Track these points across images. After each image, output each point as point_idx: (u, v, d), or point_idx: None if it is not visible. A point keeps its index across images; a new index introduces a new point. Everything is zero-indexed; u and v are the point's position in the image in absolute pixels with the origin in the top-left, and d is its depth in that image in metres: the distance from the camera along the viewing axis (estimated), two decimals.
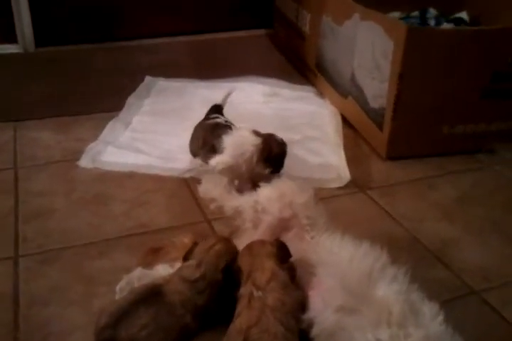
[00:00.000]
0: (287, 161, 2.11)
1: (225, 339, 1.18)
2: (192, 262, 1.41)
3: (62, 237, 1.72)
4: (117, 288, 1.45)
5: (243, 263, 1.33)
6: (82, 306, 1.45)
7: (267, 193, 1.52)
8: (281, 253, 1.34)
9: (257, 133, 1.88)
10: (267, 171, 1.83)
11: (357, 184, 2.02)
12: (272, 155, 1.84)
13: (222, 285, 1.36)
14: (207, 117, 2.11)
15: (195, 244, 1.48)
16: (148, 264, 1.56)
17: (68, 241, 1.70)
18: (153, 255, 1.60)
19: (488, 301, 1.48)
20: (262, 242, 1.37)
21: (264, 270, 1.28)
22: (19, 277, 1.54)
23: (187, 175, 2.05)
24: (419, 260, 1.63)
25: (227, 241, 1.46)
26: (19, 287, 1.51)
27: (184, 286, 1.35)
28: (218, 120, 2.02)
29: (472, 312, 1.45)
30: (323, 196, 1.92)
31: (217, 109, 2.17)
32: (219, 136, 1.87)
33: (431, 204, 1.90)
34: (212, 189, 1.74)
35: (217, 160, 1.83)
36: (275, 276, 1.27)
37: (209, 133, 1.95)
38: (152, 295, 1.32)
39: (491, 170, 2.13)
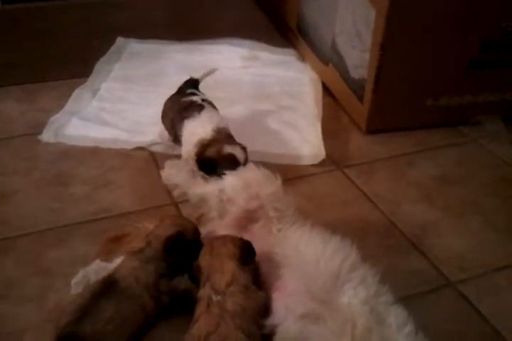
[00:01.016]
0: (260, 136, 2.03)
1: None
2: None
3: (19, 223, 1.63)
4: (73, 282, 1.38)
5: (203, 262, 1.25)
6: (37, 302, 1.38)
7: (232, 182, 1.42)
8: (245, 254, 1.25)
9: (218, 130, 1.70)
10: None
11: (334, 160, 1.92)
12: (203, 158, 1.65)
13: (169, 260, 1.32)
14: (181, 91, 1.95)
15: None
16: (108, 253, 1.48)
17: (25, 227, 1.61)
18: (113, 244, 1.51)
19: (464, 294, 1.42)
20: (223, 241, 1.27)
21: (224, 272, 1.20)
22: None
23: (154, 149, 1.95)
24: (395, 248, 1.56)
25: (179, 217, 1.43)
26: None
27: (133, 260, 1.32)
28: (194, 98, 1.86)
29: (447, 306, 1.39)
30: (297, 174, 1.85)
31: (193, 84, 2.01)
32: (183, 121, 1.75)
33: (410, 184, 1.81)
34: (176, 174, 1.65)
35: (183, 150, 1.74)
36: (235, 279, 1.19)
37: (178, 115, 1.82)
38: (108, 286, 1.27)
39: (476, 144, 2.04)
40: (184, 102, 1.85)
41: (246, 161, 1.65)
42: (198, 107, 1.80)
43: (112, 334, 1.21)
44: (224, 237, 1.30)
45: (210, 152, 1.63)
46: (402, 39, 1.85)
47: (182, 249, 1.32)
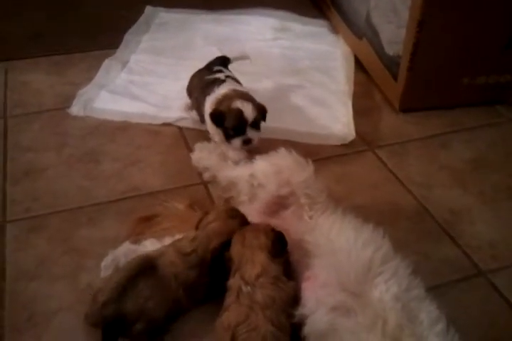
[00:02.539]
0: (288, 113, 1.99)
1: (212, 337, 1.12)
2: (190, 235, 1.35)
3: (50, 201, 1.64)
4: (102, 264, 1.39)
5: (234, 252, 1.25)
6: (69, 282, 1.40)
7: (263, 168, 1.41)
8: (276, 246, 1.24)
9: (235, 90, 1.71)
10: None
11: (365, 140, 1.89)
12: (214, 111, 1.68)
13: (212, 267, 1.29)
14: (209, 67, 1.93)
15: (205, 213, 1.40)
16: (138, 234, 1.49)
17: (57, 205, 1.63)
18: (143, 225, 1.52)
19: (495, 284, 1.40)
20: (256, 232, 1.26)
21: (254, 263, 1.20)
22: (6, 247, 1.49)
23: (181, 124, 1.94)
24: (426, 233, 1.54)
25: (226, 220, 1.35)
26: (6, 258, 1.45)
27: (178, 258, 1.30)
28: (218, 75, 1.83)
29: (477, 296, 1.38)
30: (326, 155, 1.83)
31: (223, 62, 1.98)
32: (205, 98, 1.75)
33: (443, 168, 1.77)
34: (206, 157, 1.63)
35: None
36: (265, 271, 1.19)
37: (200, 94, 1.80)
38: (148, 268, 1.26)
39: None
40: (208, 79, 1.83)
41: (257, 120, 1.65)
42: (219, 82, 1.78)
43: (152, 309, 1.22)
44: (257, 228, 1.29)
45: (222, 106, 1.66)
46: (440, 16, 1.78)
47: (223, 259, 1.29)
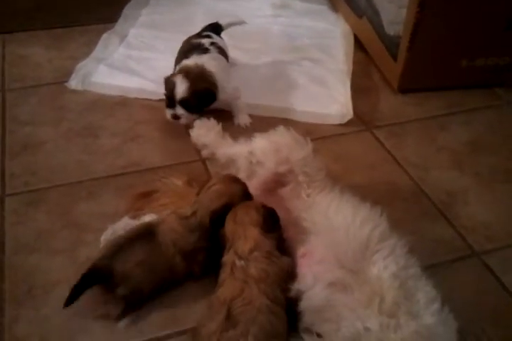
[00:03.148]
0: (287, 91, 2.00)
1: (208, 311, 1.14)
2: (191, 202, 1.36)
3: (49, 175, 1.65)
4: (102, 238, 1.41)
5: (227, 229, 1.26)
6: (67, 255, 1.41)
7: (262, 145, 1.41)
8: (268, 221, 1.25)
9: (196, 66, 1.75)
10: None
11: (363, 120, 1.89)
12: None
13: (211, 230, 1.30)
14: (199, 33, 1.98)
15: (206, 181, 1.41)
16: (136, 210, 1.49)
17: (55, 179, 1.63)
18: (141, 200, 1.53)
19: (488, 264, 1.42)
20: (247, 208, 1.28)
21: (247, 238, 1.22)
22: (5, 220, 1.50)
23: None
24: (422, 214, 1.56)
25: (229, 183, 1.36)
26: (5, 231, 1.46)
27: (178, 223, 1.31)
28: (204, 40, 1.87)
29: (471, 276, 1.40)
30: (324, 134, 1.83)
31: (214, 28, 2.01)
32: (181, 60, 1.80)
33: (440, 149, 1.78)
34: (205, 134, 1.63)
35: None
36: (258, 246, 1.20)
37: (182, 56, 1.84)
38: (146, 233, 1.29)
39: (510, 108, 1.98)
40: (192, 43, 1.86)
41: (187, 101, 1.70)
42: (202, 50, 1.82)
43: (138, 277, 1.24)
44: (248, 205, 1.30)
45: (171, 75, 1.76)
46: None
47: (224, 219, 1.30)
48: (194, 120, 1.73)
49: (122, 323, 1.25)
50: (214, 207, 1.31)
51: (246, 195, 1.35)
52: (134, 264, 1.24)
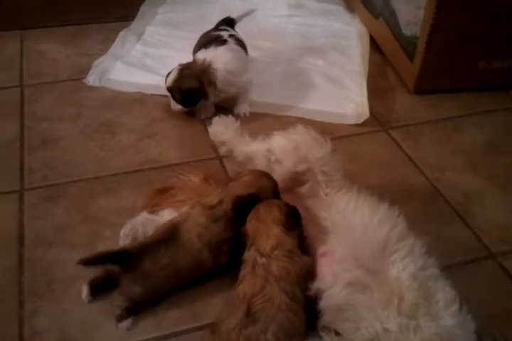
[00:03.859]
0: (303, 90, 2.01)
1: (227, 306, 1.15)
2: (218, 190, 1.37)
3: (67, 170, 1.66)
4: (121, 233, 1.41)
5: (249, 226, 1.27)
6: (86, 250, 1.41)
7: (281, 144, 1.41)
8: (290, 220, 1.26)
9: (204, 63, 1.78)
10: None
11: (379, 121, 1.90)
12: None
13: (234, 219, 1.30)
14: (215, 28, 2.00)
15: (237, 174, 1.42)
16: (154, 206, 1.50)
17: (74, 174, 1.65)
18: (159, 196, 1.54)
19: (504, 266, 1.42)
20: (269, 206, 1.28)
21: (269, 236, 1.22)
22: (24, 214, 1.51)
23: None
24: (438, 215, 1.56)
25: (260, 176, 1.37)
26: (24, 225, 1.48)
27: (202, 215, 1.31)
28: (222, 33, 1.91)
29: (486, 277, 1.40)
30: (340, 134, 1.83)
31: (228, 22, 2.04)
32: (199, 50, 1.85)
33: (456, 151, 1.79)
34: (223, 132, 1.63)
35: None
36: (280, 244, 1.21)
37: (199, 48, 1.88)
38: (170, 236, 1.29)
39: None
40: (211, 35, 1.90)
41: (174, 93, 1.79)
42: (220, 42, 1.85)
43: (161, 279, 1.26)
44: (270, 203, 1.30)
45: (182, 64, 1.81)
46: None
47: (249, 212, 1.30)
48: (181, 110, 1.84)
49: (125, 324, 1.25)
50: (240, 193, 1.30)
51: (275, 193, 1.35)
52: (160, 268, 1.25)
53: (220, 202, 1.32)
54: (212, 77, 1.77)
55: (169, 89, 1.79)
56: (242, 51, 1.91)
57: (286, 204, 1.29)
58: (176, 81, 1.76)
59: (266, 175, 1.37)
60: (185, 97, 1.79)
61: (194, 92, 1.77)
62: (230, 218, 1.30)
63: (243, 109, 1.89)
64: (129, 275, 1.25)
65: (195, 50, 1.90)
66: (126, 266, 1.24)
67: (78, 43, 2.24)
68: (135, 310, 1.26)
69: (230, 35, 1.91)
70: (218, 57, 1.79)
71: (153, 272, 1.24)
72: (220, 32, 1.93)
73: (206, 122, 1.81)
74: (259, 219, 1.26)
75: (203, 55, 1.81)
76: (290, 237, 1.23)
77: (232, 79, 1.81)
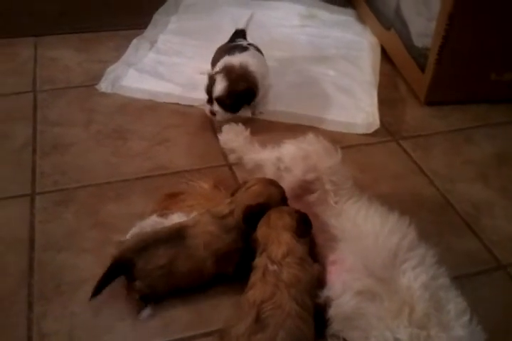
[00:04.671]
0: (314, 100, 2.02)
1: (237, 312, 1.15)
2: (226, 201, 1.37)
3: (78, 175, 1.67)
4: (129, 235, 1.41)
5: (260, 233, 1.27)
6: (95, 254, 1.42)
7: (290, 152, 1.42)
8: (301, 227, 1.26)
9: (241, 66, 1.79)
10: None
11: (390, 131, 1.90)
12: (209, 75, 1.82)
13: (245, 227, 1.30)
14: (231, 40, 2.04)
15: (243, 183, 1.42)
16: (163, 209, 1.51)
17: (85, 179, 1.65)
18: (169, 201, 1.55)
19: None
20: (280, 213, 1.29)
21: (280, 243, 1.22)
22: (35, 218, 1.52)
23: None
24: (448, 226, 1.56)
25: (267, 184, 1.37)
26: (35, 229, 1.48)
27: (213, 223, 1.31)
28: (240, 42, 1.95)
29: (496, 289, 1.39)
30: (351, 143, 1.84)
31: (240, 35, 2.07)
32: (223, 56, 1.86)
33: (466, 162, 1.78)
34: (233, 139, 1.64)
35: None
36: (291, 251, 1.21)
37: (222, 54, 1.90)
38: (175, 237, 1.29)
39: None
40: (231, 46, 1.94)
41: (223, 100, 1.76)
42: (242, 49, 1.88)
43: (157, 279, 1.26)
44: (281, 209, 1.30)
45: (214, 71, 1.81)
46: (472, 10, 1.79)
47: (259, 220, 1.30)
48: (228, 118, 1.81)
49: (144, 314, 1.27)
50: (250, 203, 1.30)
51: (283, 200, 1.35)
52: (155, 267, 1.25)
53: (231, 212, 1.32)
54: (254, 78, 1.80)
55: (220, 98, 1.76)
56: (263, 57, 1.96)
57: (297, 211, 1.29)
58: (226, 88, 1.75)
59: (273, 183, 1.37)
60: (240, 100, 1.80)
61: (252, 91, 1.80)
62: (241, 229, 1.30)
63: (260, 108, 1.92)
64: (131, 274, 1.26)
65: (215, 60, 1.91)
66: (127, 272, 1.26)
67: (91, 50, 2.26)
68: (149, 299, 1.28)
69: (249, 44, 1.95)
70: (250, 61, 1.82)
71: (149, 270, 1.25)
72: (237, 42, 1.96)
73: (217, 130, 1.81)
74: (270, 225, 1.26)
75: (232, 60, 1.82)
76: (301, 244, 1.23)
77: (263, 81, 1.85)
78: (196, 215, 1.36)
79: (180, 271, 1.28)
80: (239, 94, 1.76)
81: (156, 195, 1.56)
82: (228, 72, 1.77)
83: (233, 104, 1.78)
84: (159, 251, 1.26)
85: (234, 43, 1.98)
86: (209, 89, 1.77)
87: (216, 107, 1.78)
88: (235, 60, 1.81)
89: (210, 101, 1.79)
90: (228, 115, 1.80)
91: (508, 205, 1.63)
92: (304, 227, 1.27)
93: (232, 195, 1.37)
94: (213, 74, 1.78)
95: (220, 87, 1.75)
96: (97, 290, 1.25)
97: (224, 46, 2.00)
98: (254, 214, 1.30)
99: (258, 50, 1.96)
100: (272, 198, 1.33)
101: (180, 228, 1.31)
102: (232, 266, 1.32)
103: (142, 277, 1.25)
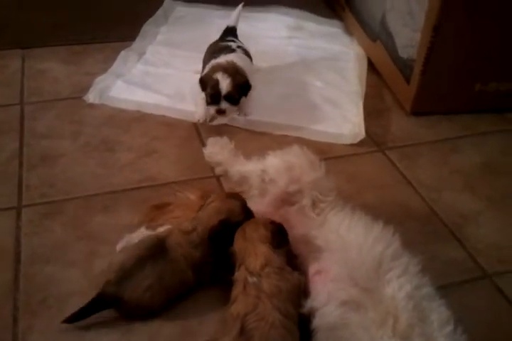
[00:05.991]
0: (300, 110, 2.05)
1: (221, 327, 1.15)
2: (191, 217, 1.38)
3: (66, 187, 1.67)
4: (117, 247, 1.42)
5: (237, 246, 1.28)
6: (82, 267, 1.42)
7: (275, 164, 1.43)
8: (277, 237, 1.27)
9: (231, 62, 1.86)
10: None
11: (376, 141, 1.92)
12: (201, 77, 1.89)
13: (212, 246, 1.32)
14: (222, 38, 2.10)
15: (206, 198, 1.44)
16: (150, 221, 1.51)
17: (72, 191, 1.65)
18: (156, 212, 1.55)
19: (499, 286, 1.43)
20: (255, 225, 1.29)
21: (257, 255, 1.23)
22: (21, 231, 1.51)
23: (195, 120, 1.95)
24: (434, 235, 1.57)
25: (226, 199, 1.38)
26: (21, 242, 1.48)
27: (182, 238, 1.33)
28: (230, 43, 2.01)
29: (482, 298, 1.40)
30: (336, 154, 1.85)
31: (232, 32, 2.14)
32: (211, 59, 1.92)
33: (453, 171, 1.80)
34: (218, 152, 1.65)
35: None
36: (269, 262, 1.22)
37: (209, 56, 1.97)
38: (158, 250, 1.30)
39: None
40: (221, 46, 1.99)
41: (232, 95, 1.82)
42: (229, 51, 1.94)
43: (148, 301, 1.26)
44: (256, 221, 1.32)
45: (208, 74, 1.85)
46: (456, 22, 1.81)
47: (226, 236, 1.31)
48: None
49: None
50: (212, 224, 1.32)
51: (245, 212, 1.36)
52: (144, 290, 1.25)
53: (194, 229, 1.33)
54: (244, 72, 1.88)
55: (230, 93, 1.82)
56: (249, 60, 2.02)
57: (272, 222, 1.30)
58: (232, 82, 1.81)
59: (232, 196, 1.39)
60: (242, 92, 1.87)
61: (249, 84, 1.88)
62: (207, 245, 1.32)
63: (247, 111, 1.96)
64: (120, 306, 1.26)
65: (207, 58, 1.99)
66: (113, 305, 1.26)
67: (79, 62, 2.27)
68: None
69: (238, 46, 2.01)
70: (235, 59, 1.89)
71: (139, 297, 1.25)
72: (228, 43, 2.03)
73: (204, 141, 1.82)
74: (245, 238, 1.27)
75: (218, 60, 1.89)
76: (278, 255, 1.24)
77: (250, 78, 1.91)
78: (167, 228, 1.38)
79: (169, 285, 1.29)
80: (242, 85, 1.85)
81: (143, 206, 1.56)
82: (224, 69, 1.83)
83: (239, 97, 1.86)
84: (145, 271, 1.26)
85: (223, 43, 2.04)
86: (216, 89, 1.81)
87: (225, 104, 1.83)
88: (220, 60, 1.88)
89: (216, 101, 1.83)
90: (235, 108, 1.87)
91: (494, 214, 1.64)
92: (280, 238, 1.28)
93: (199, 209, 1.38)
94: (210, 76, 1.83)
95: (226, 83, 1.80)
96: (73, 318, 1.24)
97: (214, 45, 2.07)
98: (219, 233, 1.31)
99: (246, 53, 2.02)
100: (233, 212, 1.34)
101: (159, 240, 1.32)
102: (207, 276, 1.34)
103: (133, 307, 1.25)
